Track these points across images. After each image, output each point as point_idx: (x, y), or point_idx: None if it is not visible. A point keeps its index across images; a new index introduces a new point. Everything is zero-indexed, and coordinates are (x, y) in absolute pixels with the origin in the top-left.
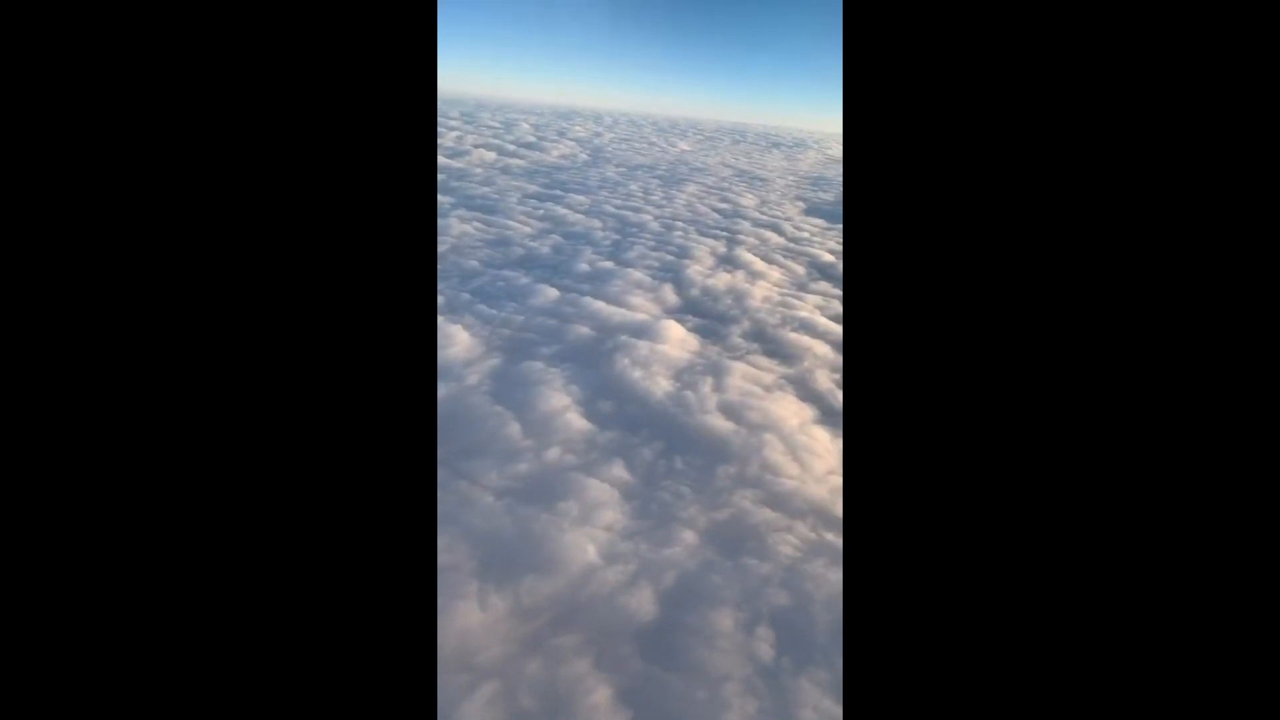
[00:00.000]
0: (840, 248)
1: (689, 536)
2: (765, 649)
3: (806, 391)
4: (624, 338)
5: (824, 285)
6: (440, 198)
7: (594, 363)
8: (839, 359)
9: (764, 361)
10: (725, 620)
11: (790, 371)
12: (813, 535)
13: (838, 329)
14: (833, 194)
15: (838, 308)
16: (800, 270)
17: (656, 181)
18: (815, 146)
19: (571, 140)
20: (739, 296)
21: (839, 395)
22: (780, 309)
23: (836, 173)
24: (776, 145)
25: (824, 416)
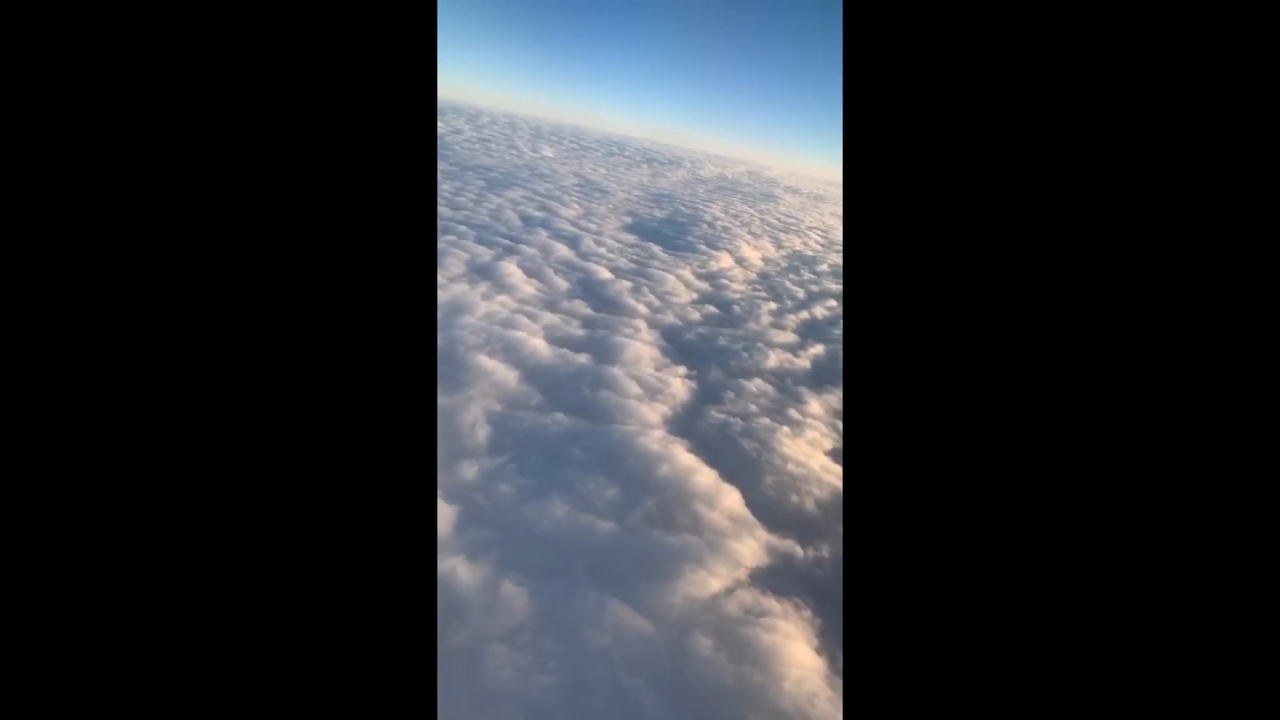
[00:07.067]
0: (631, 265)
1: None
2: None
3: (445, 425)
4: None
5: (576, 304)
6: None
7: None
8: (521, 388)
9: None
10: None
11: (446, 401)
12: None
13: (547, 351)
14: (667, 212)
15: (572, 330)
16: (563, 287)
17: (482, 184)
18: (688, 166)
19: None
20: (455, 311)
21: (482, 429)
22: (497, 327)
23: (690, 192)
24: (650, 161)
25: (444, 457)
